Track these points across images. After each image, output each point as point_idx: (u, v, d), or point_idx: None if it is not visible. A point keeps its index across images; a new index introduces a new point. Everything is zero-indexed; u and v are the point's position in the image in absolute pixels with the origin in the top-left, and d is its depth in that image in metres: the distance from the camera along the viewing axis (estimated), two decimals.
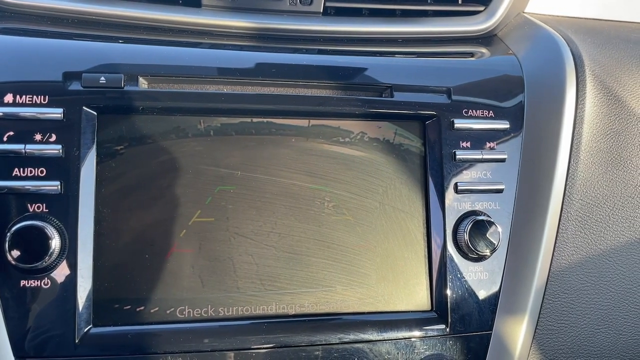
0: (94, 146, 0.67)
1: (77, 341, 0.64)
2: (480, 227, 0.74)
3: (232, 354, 0.68)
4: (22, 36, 0.73)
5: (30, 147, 0.65)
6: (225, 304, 0.69)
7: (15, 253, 0.62)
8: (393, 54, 0.83)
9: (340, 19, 0.85)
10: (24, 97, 0.66)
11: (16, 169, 0.65)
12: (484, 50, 0.89)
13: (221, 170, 0.70)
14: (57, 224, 0.64)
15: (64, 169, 0.66)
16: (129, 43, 0.74)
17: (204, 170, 0.70)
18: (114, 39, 0.74)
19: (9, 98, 0.66)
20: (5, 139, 0.65)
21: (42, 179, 0.65)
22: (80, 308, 0.65)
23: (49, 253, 0.62)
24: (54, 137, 0.66)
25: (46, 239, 0.62)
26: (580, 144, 0.81)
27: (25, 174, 0.65)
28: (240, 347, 0.68)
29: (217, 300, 0.69)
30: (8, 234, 0.62)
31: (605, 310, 0.81)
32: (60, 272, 0.65)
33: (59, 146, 0.66)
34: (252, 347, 0.68)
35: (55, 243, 0.63)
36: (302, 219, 0.72)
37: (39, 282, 0.64)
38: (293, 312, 0.71)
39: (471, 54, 0.87)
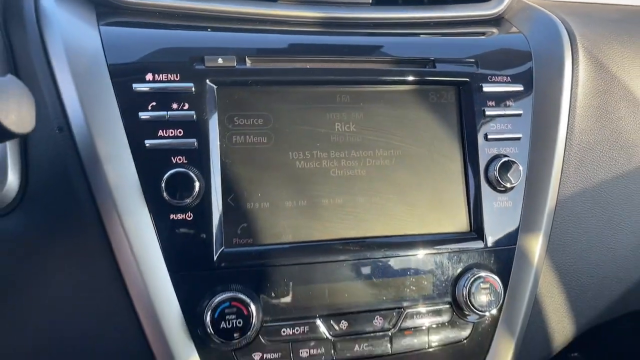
0: (216, 111, 0.88)
1: (215, 258, 0.85)
2: (506, 166, 0.96)
3: (326, 265, 0.89)
4: (151, 28, 0.93)
5: (171, 114, 0.85)
6: (320, 230, 0.91)
7: (169, 192, 0.82)
8: (430, 34, 1.05)
9: (385, 7, 1.06)
10: (161, 75, 0.86)
11: (161, 131, 0.85)
12: (497, 30, 1.11)
13: (314, 130, 0.91)
14: (195, 171, 0.84)
15: (197, 129, 0.86)
16: (232, 32, 0.94)
17: (300, 130, 0.91)
18: (220, 29, 0.94)
19: (149, 76, 0.86)
20: (150, 108, 0.85)
21: (182, 137, 0.85)
22: (215, 234, 0.86)
23: (193, 193, 0.83)
24: (187, 105, 0.86)
25: (191, 181, 0.83)
26: (576, 101, 1.05)
27: (168, 134, 0.85)
28: (333, 260, 0.89)
29: (314, 227, 0.90)
30: (163, 179, 0.82)
31: (599, 230, 1.05)
32: (200, 208, 0.85)
33: (192, 112, 0.86)
34: (341, 259, 0.90)
35: (197, 185, 0.83)
36: (374, 166, 0.93)
37: (184, 215, 0.85)
38: (369, 235, 0.92)
39: (489, 33, 1.10)
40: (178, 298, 0.84)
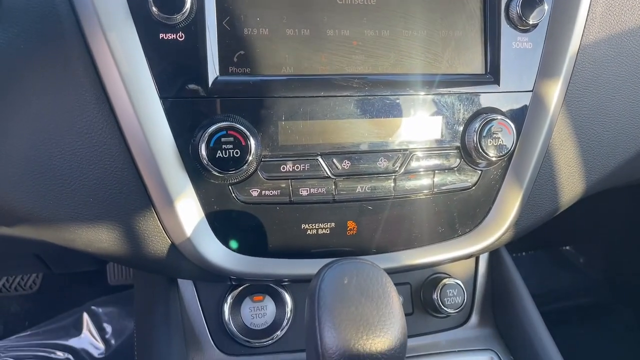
0: None
1: (209, 85, 0.78)
2: (530, 2, 0.87)
3: (329, 100, 0.83)
4: None
5: None
6: (323, 63, 0.83)
7: (157, 4, 0.74)
8: None
9: None
10: None
11: None
12: None
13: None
14: None
15: None
16: None
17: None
18: None
19: None
20: None
21: None
22: (209, 60, 0.78)
23: (184, 9, 0.74)
24: None
25: None
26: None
27: None
28: (336, 95, 0.83)
29: (317, 59, 0.83)
30: None
31: (620, 81, 0.98)
32: (192, 28, 0.77)
33: None
34: (345, 94, 0.83)
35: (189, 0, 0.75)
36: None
37: (175, 35, 0.77)
38: (377, 72, 0.85)
39: None
40: (170, 127, 0.78)
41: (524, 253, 2.37)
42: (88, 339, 2.11)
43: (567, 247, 2.46)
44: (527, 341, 1.01)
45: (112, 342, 2.11)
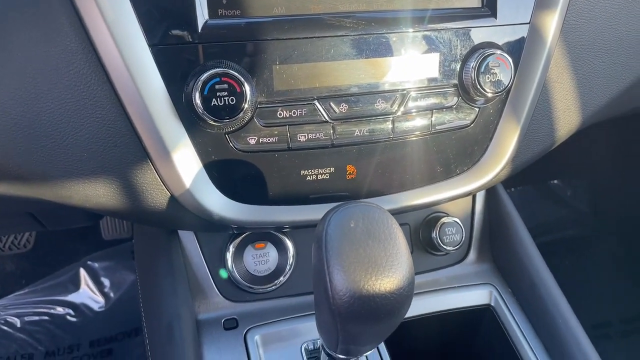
0: None
1: (199, 30, 0.75)
2: None
3: (324, 41, 0.80)
4: None
5: None
6: (315, 2, 0.80)
7: None
8: None
9: None
10: None
11: None
12: None
13: None
14: None
15: None
16: None
17: None
18: None
19: None
20: None
21: None
22: (196, 2, 0.75)
23: None
24: None
25: None
26: None
27: None
28: (331, 35, 0.80)
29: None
30: None
31: (615, 11, 0.97)
32: None
33: None
34: (340, 34, 0.81)
35: None
36: None
37: None
38: (371, 9, 0.83)
39: None
40: (161, 75, 0.75)
41: (513, 189, 2.40)
42: (87, 293, 2.13)
43: (555, 181, 2.50)
44: (525, 273, 1.03)
45: (111, 295, 2.13)
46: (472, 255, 1.11)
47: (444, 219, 1.05)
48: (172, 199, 0.83)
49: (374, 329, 0.62)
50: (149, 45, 0.74)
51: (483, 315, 1.06)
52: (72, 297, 2.11)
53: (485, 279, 1.08)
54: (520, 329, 1.00)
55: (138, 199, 0.82)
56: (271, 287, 0.95)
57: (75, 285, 2.13)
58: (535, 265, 1.03)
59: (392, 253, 0.60)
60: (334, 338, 0.64)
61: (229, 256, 0.93)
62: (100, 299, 2.11)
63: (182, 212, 0.84)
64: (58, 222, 1.64)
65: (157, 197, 0.82)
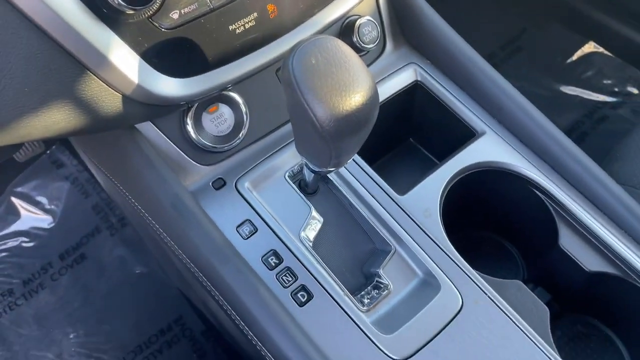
0: None
1: None
2: None
3: None
4: None
5: None
6: None
7: None
8: None
9: None
10: None
11: None
12: None
13: None
14: None
15: None
16: None
17: None
18: None
19: None
20: None
21: None
22: None
23: None
24: None
25: None
26: None
27: None
28: None
29: None
30: None
31: None
32: None
33: None
34: None
35: None
36: None
37: None
38: None
39: None
40: None
41: None
42: (30, 217, 2.10)
43: None
44: (440, 45, 1.16)
45: (55, 208, 2.12)
46: (389, 45, 1.21)
47: (358, 21, 1.12)
48: (125, 98, 0.85)
49: (357, 137, 0.73)
50: None
51: (414, 92, 1.20)
52: (17, 226, 2.08)
53: (406, 60, 1.21)
54: (447, 90, 1.17)
55: (94, 111, 0.83)
56: (238, 139, 1.03)
57: (15, 214, 2.09)
58: (445, 34, 1.16)
59: (354, 71, 0.69)
60: (327, 156, 0.75)
61: (190, 129, 0.99)
62: (47, 217, 2.10)
63: (138, 107, 0.87)
64: None
65: (111, 102, 0.84)
